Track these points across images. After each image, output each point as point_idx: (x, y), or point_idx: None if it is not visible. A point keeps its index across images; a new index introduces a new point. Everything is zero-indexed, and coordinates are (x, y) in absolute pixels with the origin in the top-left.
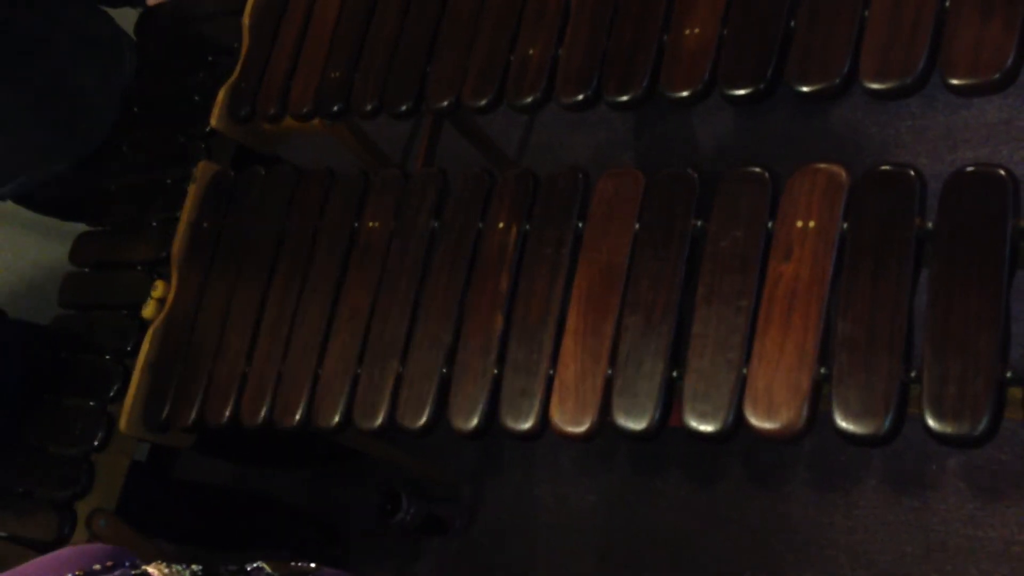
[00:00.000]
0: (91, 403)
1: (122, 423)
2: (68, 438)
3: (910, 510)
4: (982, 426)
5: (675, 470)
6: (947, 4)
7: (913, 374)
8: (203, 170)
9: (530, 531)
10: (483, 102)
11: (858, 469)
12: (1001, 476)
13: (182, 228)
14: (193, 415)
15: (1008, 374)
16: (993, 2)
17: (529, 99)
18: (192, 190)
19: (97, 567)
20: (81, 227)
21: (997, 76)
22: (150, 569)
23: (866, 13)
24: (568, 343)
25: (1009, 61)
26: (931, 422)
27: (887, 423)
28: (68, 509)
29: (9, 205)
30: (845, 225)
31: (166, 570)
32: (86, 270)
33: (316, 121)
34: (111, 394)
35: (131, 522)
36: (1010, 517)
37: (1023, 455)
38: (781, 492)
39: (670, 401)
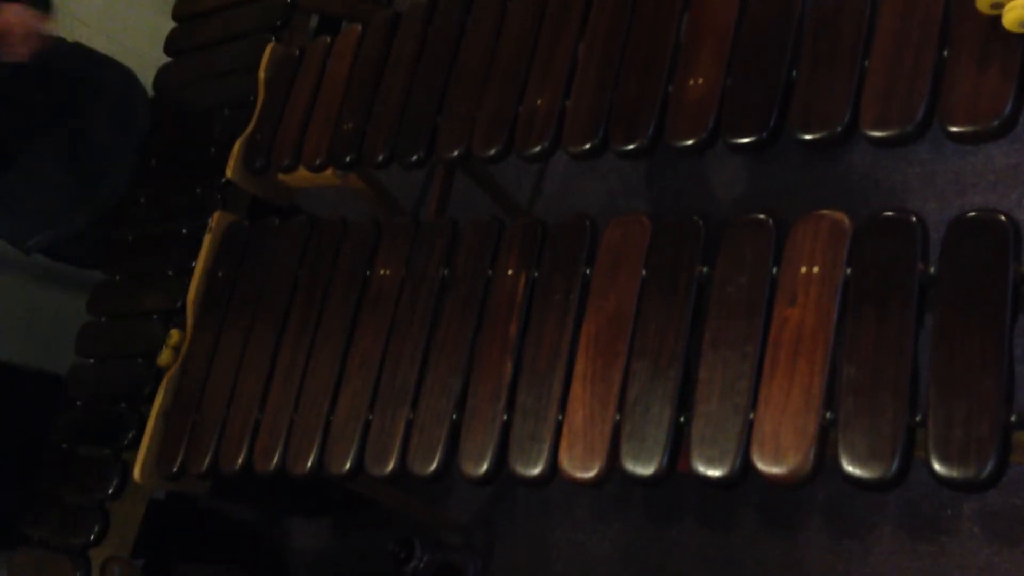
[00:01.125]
0: (106, 451)
1: (136, 471)
2: (83, 486)
3: (926, 556)
4: (988, 470)
5: (690, 517)
6: (945, 53)
7: (919, 418)
8: (218, 220)
9: None
10: (492, 152)
11: (873, 515)
12: (1017, 521)
13: (197, 278)
14: (207, 462)
15: (1012, 418)
16: (990, 51)
17: (537, 149)
18: (208, 240)
19: None
20: (99, 275)
21: (996, 123)
22: None
23: (866, 63)
24: (576, 389)
25: (1007, 108)
26: (937, 466)
27: (894, 467)
28: (82, 557)
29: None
30: (849, 271)
31: None
32: (103, 319)
33: (329, 171)
34: (126, 442)
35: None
36: None
37: None
38: (797, 539)
39: (678, 446)
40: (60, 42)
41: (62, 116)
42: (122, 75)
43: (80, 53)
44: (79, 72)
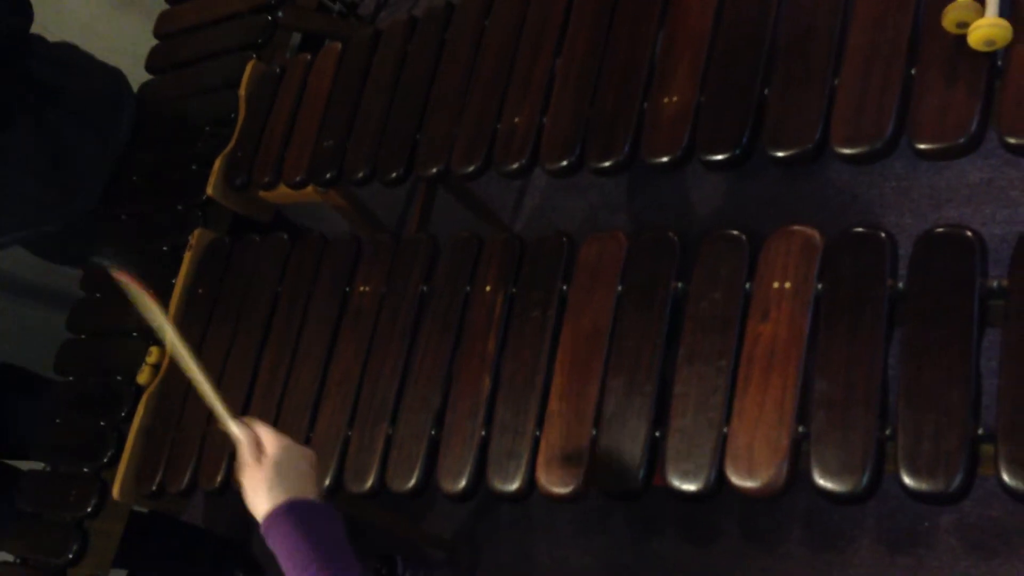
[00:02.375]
0: (85, 469)
1: (115, 490)
2: (62, 505)
3: (904, 568)
4: (956, 483)
5: (671, 530)
6: (913, 72)
7: (888, 432)
8: (199, 238)
9: None
10: (471, 169)
11: (852, 528)
12: (992, 533)
13: (177, 295)
14: (186, 480)
15: (980, 431)
16: (957, 69)
17: (515, 165)
18: (188, 257)
19: None
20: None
21: (962, 140)
22: None
23: (836, 82)
24: (554, 404)
25: (973, 126)
26: (906, 479)
27: (864, 480)
28: None
29: (11, 271)
30: (820, 286)
31: None
32: (83, 337)
33: (310, 188)
34: (105, 460)
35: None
36: (1002, 574)
37: (1013, 512)
38: (777, 552)
39: (654, 461)
40: (58, 43)
41: (43, 123)
42: (112, 81)
43: (70, 59)
44: (65, 78)
